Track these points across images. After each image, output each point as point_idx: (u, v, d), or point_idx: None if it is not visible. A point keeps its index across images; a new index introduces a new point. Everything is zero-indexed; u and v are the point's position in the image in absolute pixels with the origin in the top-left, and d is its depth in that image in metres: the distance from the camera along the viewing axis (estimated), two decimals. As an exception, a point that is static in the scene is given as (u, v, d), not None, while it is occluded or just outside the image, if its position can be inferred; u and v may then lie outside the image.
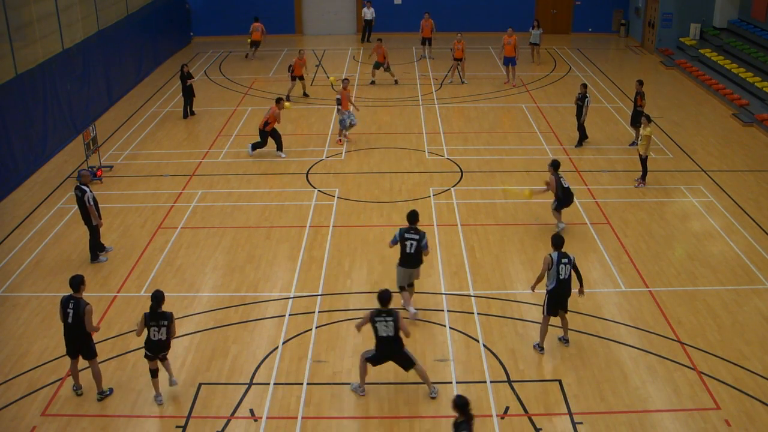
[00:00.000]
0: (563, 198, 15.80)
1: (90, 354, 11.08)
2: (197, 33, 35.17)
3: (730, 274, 14.46)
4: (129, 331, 12.75)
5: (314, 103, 25.19)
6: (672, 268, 14.68)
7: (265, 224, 16.56)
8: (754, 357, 11.98)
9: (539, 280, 11.94)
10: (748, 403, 10.95)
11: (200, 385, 11.40)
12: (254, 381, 11.53)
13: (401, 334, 10.76)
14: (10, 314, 13.38)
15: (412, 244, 12.58)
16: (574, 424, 10.57)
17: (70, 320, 10.83)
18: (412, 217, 12.87)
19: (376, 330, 10.73)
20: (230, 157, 20.58)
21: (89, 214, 14.70)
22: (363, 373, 11.11)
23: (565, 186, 15.77)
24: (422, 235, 12.68)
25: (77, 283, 10.92)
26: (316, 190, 18.22)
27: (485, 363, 11.84)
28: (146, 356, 10.99)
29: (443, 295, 13.73)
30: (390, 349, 10.82)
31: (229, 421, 10.74)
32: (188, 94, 23.72)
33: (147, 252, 15.46)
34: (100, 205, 15.45)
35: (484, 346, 12.27)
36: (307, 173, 19.28)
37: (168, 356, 11.12)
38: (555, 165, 15.88)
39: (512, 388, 11.29)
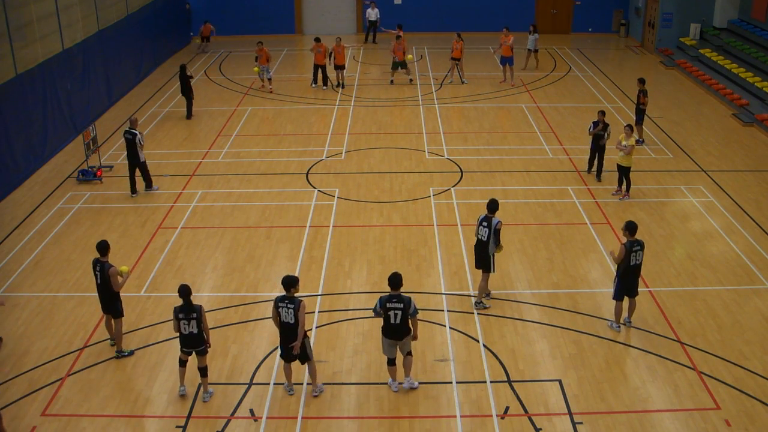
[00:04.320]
0: (623, 276, 12.35)
1: (117, 314, 11.95)
2: (197, 33, 35.14)
3: (730, 274, 14.46)
4: (129, 331, 12.74)
5: (314, 103, 25.20)
6: (672, 268, 14.68)
7: (265, 224, 16.56)
8: (754, 357, 11.97)
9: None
10: (748, 403, 10.95)
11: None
12: (254, 381, 11.53)
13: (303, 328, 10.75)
14: (10, 314, 13.37)
15: (396, 314, 10.86)
16: (574, 424, 10.57)
17: (98, 281, 11.91)
18: (395, 281, 10.89)
19: (279, 315, 10.76)
20: (230, 157, 20.57)
21: (137, 153, 17.57)
22: (287, 373, 11.18)
23: (634, 263, 12.24)
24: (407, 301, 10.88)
25: (103, 248, 11.87)
26: (316, 190, 18.22)
27: (485, 363, 11.84)
28: (182, 350, 11.02)
29: (443, 295, 13.72)
30: (289, 335, 10.81)
31: (229, 421, 10.74)
32: (190, 94, 23.71)
33: (147, 252, 15.45)
34: (100, 205, 17.26)
35: (484, 346, 12.27)
36: (307, 173, 19.28)
37: (206, 366, 11.08)
38: (630, 228, 12.30)
39: (512, 388, 11.29)
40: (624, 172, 17.42)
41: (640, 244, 12.25)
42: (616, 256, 12.30)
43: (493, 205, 12.88)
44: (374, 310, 11.02)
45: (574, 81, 27.81)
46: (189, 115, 23.68)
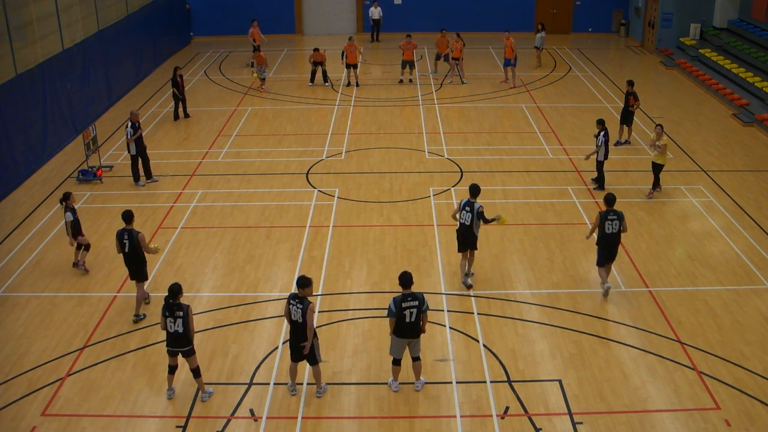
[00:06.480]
0: (600, 243, 13.39)
1: (142, 277, 12.96)
2: (197, 33, 35.17)
3: (730, 274, 14.46)
4: (129, 332, 12.75)
5: (314, 103, 25.20)
6: (672, 268, 14.68)
7: (265, 224, 16.56)
8: (754, 357, 11.98)
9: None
10: (748, 403, 10.95)
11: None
12: (254, 381, 11.53)
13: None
14: (10, 314, 13.38)
15: (411, 312, 10.81)
16: (574, 424, 10.57)
17: (126, 249, 12.75)
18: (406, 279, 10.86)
19: (289, 312, 10.76)
20: (230, 157, 20.58)
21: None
22: (292, 373, 11.18)
23: (610, 231, 13.20)
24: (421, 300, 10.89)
25: (128, 216, 12.89)
26: (316, 190, 18.22)
27: (485, 363, 11.85)
28: (167, 351, 10.98)
29: (443, 295, 13.73)
30: (297, 335, 10.80)
31: (229, 421, 10.74)
32: (182, 96, 23.72)
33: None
34: (100, 205, 17.35)
35: (484, 346, 12.27)
36: (307, 173, 19.28)
37: (198, 367, 11.04)
38: (607, 199, 13.46)
39: (512, 388, 11.29)
40: (656, 170, 17.43)
41: (617, 214, 13.25)
42: (592, 223, 13.60)
43: (474, 190, 13.42)
44: (389, 311, 10.78)
45: (574, 81, 27.80)
46: (176, 117, 23.71)
